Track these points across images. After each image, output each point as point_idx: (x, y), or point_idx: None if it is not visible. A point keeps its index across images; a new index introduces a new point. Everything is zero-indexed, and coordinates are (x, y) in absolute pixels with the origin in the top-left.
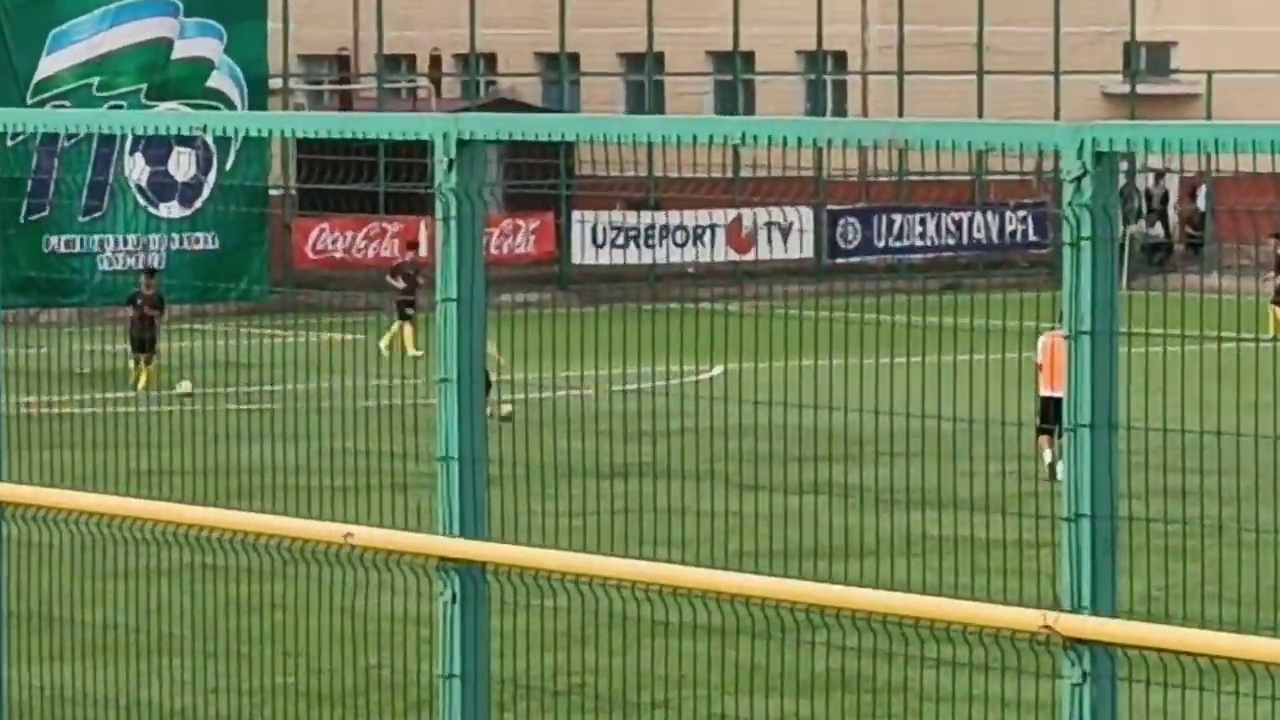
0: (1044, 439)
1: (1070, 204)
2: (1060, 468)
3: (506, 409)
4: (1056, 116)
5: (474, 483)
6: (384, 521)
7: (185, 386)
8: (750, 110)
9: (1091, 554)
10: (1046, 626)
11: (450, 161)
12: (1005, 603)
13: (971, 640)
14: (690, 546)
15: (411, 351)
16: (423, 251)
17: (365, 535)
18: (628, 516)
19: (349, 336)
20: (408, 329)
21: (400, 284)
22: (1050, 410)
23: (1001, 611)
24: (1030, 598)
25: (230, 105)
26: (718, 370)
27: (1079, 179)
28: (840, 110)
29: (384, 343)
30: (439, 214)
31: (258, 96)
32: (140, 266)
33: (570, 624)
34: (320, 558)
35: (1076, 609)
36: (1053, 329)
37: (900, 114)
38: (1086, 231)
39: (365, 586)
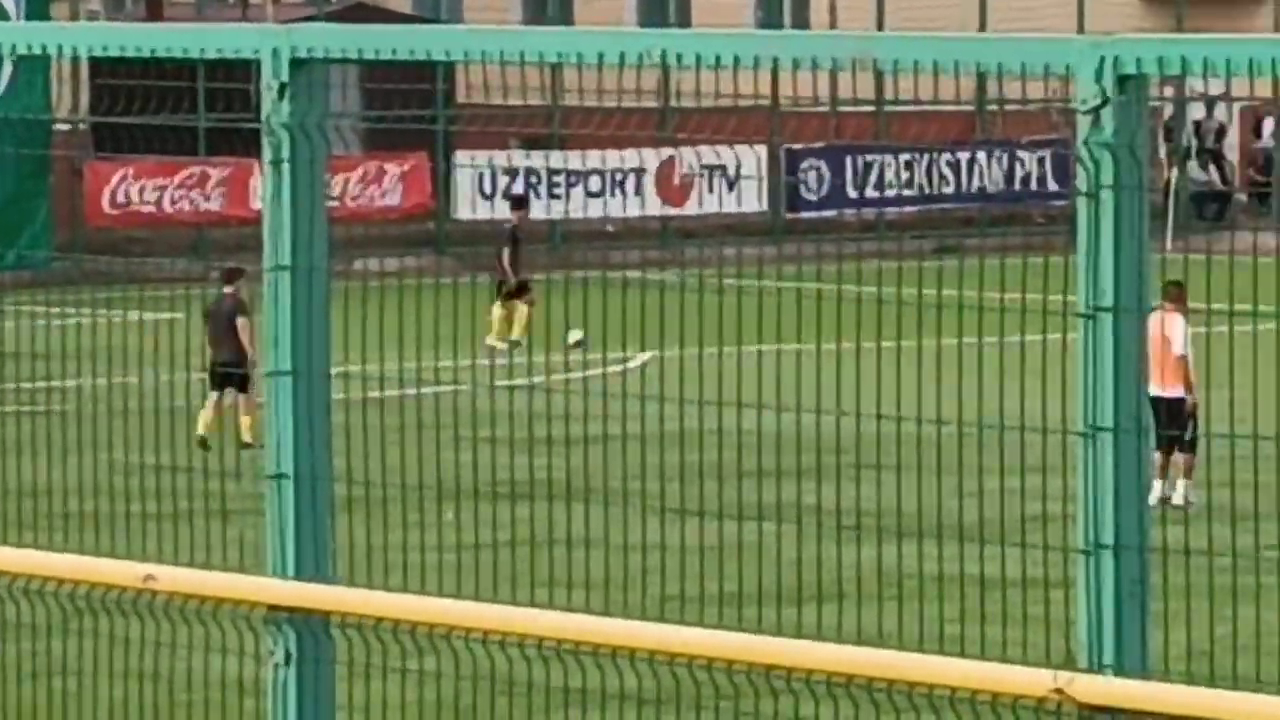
0: (1158, 455)
1: (1087, 142)
2: (1179, 492)
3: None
4: (1081, 29)
5: (315, 508)
6: (197, 560)
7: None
8: (684, 21)
9: (1115, 597)
10: (1058, 690)
11: (281, 87)
12: (1007, 660)
13: (962, 708)
14: (604, 590)
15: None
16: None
17: (172, 578)
18: (517, 551)
19: (159, 316)
20: (522, 309)
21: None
22: (1160, 415)
23: (1001, 672)
24: (1044, 653)
25: (1, 14)
26: (643, 359)
27: (1097, 109)
28: (801, 22)
29: (491, 338)
30: (267, 156)
31: (37, 2)
32: None
33: (443, 692)
34: (114, 607)
35: (1096, 668)
36: (1162, 304)
37: (879, 26)
38: (1107, 178)
39: (172, 645)
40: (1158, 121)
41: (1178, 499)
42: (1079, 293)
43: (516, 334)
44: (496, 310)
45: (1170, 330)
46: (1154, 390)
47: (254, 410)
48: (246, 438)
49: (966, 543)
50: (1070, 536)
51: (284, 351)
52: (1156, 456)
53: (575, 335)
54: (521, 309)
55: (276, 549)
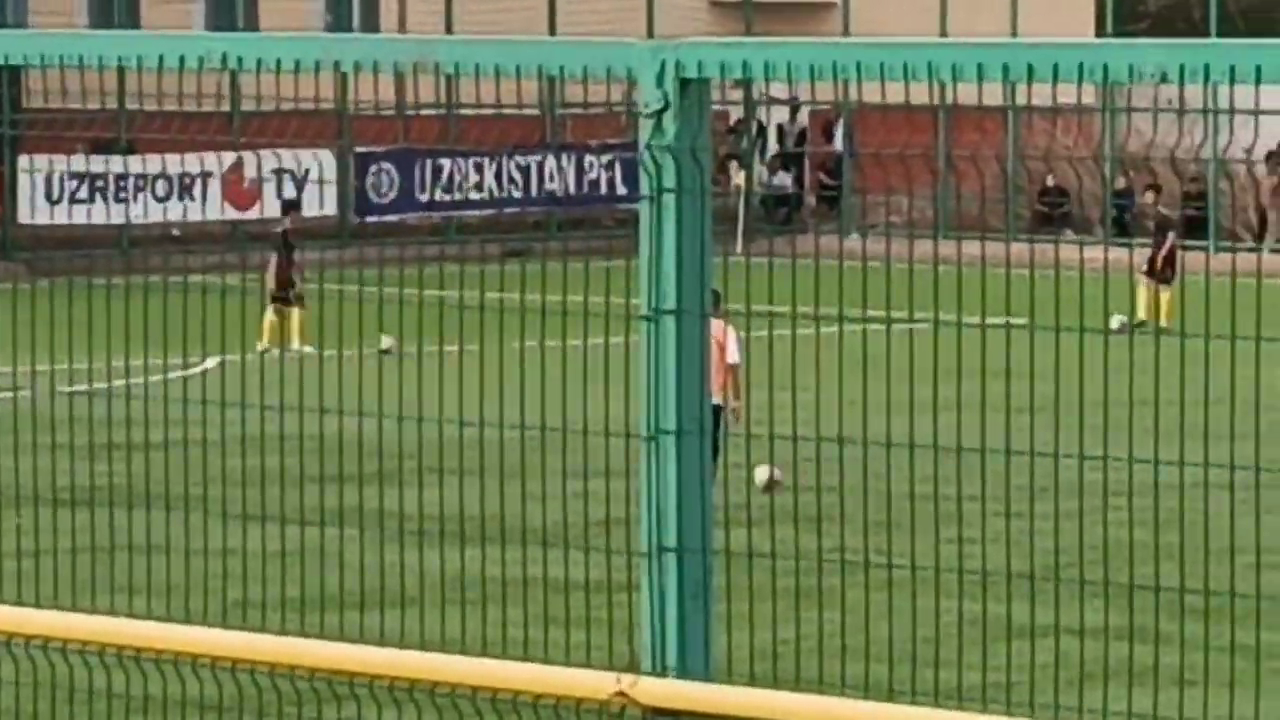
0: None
1: (649, 146)
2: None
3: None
4: (650, 33)
5: None
6: None
7: None
8: (252, 25)
9: (678, 600)
10: (621, 693)
11: None
12: (572, 663)
13: (526, 712)
14: (173, 595)
15: (300, 345)
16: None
17: None
18: (79, 557)
19: None
20: (296, 315)
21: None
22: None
23: (565, 675)
24: (609, 656)
25: None
26: (211, 364)
27: (659, 113)
28: (371, 26)
29: (265, 341)
30: None
31: None
32: None
33: (5, 700)
34: None
35: (659, 671)
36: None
37: (448, 30)
38: (670, 181)
39: None
40: (723, 125)
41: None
42: (641, 296)
43: (298, 343)
44: (269, 316)
45: (724, 338)
46: (716, 399)
47: None
48: None
49: (532, 546)
50: (634, 539)
51: None
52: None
53: (387, 341)
54: (295, 314)
55: None
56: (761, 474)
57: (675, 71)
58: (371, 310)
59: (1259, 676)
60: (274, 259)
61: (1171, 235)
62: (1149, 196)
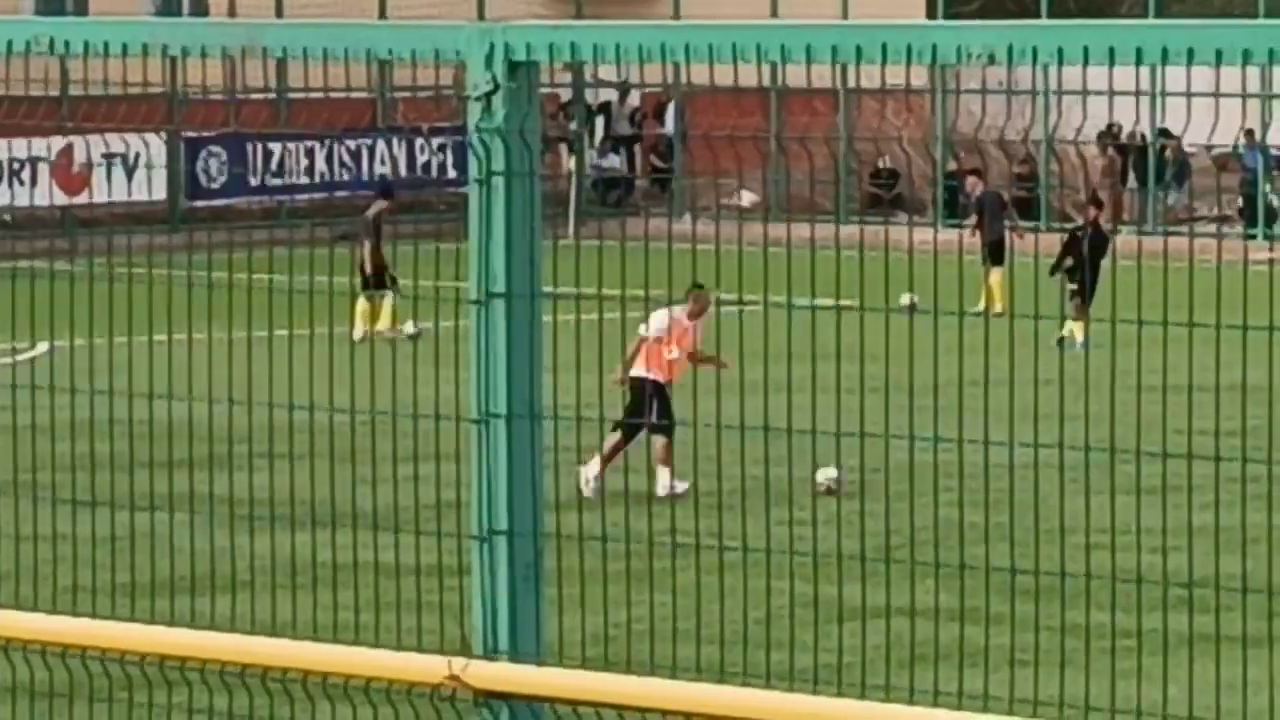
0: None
1: (478, 128)
2: (662, 481)
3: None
4: (481, 15)
5: None
6: None
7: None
8: (82, 9)
9: (510, 583)
10: (453, 677)
11: None
12: (404, 648)
13: (358, 696)
14: (3, 582)
15: (405, 329)
16: None
17: None
18: None
19: None
20: (388, 303)
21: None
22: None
23: (396, 659)
24: (447, 640)
25: None
26: (40, 349)
27: (488, 96)
28: (201, 9)
29: (360, 328)
30: None
31: None
32: None
33: None
34: None
35: (490, 654)
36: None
37: (278, 14)
38: (499, 164)
39: None
40: (554, 107)
41: (661, 490)
42: (470, 279)
43: (386, 328)
44: (361, 304)
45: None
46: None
47: None
48: None
49: (362, 530)
50: (465, 523)
51: None
52: (616, 437)
53: (411, 327)
54: (386, 300)
55: None
56: (827, 474)
57: (504, 54)
58: (201, 294)
59: (1089, 656)
60: (366, 245)
61: (973, 216)
62: (970, 181)
